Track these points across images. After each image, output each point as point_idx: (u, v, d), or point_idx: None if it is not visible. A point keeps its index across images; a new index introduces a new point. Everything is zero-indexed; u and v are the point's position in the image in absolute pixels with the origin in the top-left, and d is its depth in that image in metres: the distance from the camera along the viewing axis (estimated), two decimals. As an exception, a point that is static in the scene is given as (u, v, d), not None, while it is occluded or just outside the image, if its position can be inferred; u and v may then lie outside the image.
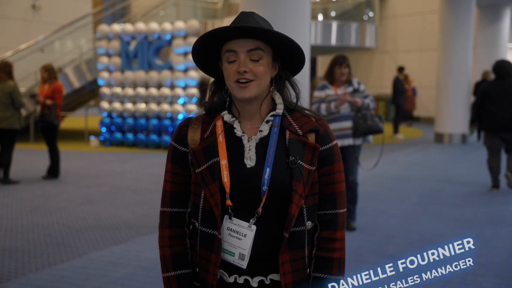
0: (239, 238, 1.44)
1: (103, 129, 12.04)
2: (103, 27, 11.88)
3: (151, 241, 4.87)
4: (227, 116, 1.51)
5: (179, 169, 1.55)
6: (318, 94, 5.15)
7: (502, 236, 5.17)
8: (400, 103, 14.15)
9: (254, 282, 1.46)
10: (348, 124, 5.04)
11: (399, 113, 14.18)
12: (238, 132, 1.49)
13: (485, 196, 6.99)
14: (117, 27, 11.74)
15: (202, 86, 11.46)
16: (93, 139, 12.17)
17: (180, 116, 11.09)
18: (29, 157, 10.21)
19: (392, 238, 5.04)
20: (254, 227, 1.43)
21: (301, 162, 1.45)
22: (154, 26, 11.36)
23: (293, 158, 1.44)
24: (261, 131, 1.49)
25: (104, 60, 11.82)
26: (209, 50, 1.51)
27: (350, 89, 5.11)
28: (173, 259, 1.54)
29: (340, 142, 5.02)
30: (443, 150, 11.90)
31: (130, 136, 11.72)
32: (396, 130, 14.10)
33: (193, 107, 11.11)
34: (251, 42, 1.43)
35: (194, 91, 11.13)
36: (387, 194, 7.09)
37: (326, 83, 5.18)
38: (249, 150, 1.47)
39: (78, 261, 4.35)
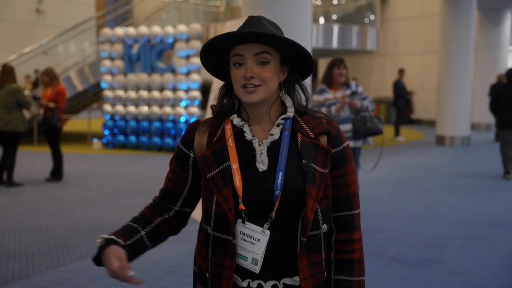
0: (252, 242, 1.42)
1: (106, 132, 12.08)
2: (106, 31, 11.94)
3: (154, 243, 4.90)
4: (236, 120, 1.50)
5: (178, 169, 1.56)
6: (317, 98, 5.14)
7: (505, 238, 5.17)
8: (401, 106, 14.16)
9: (267, 286, 1.45)
10: (348, 126, 5.07)
11: (400, 115, 14.20)
12: (248, 135, 1.48)
13: (488, 199, 7.00)
14: (120, 31, 11.80)
15: (204, 89, 11.50)
16: (96, 141, 12.21)
17: (183, 119, 11.13)
18: (32, 160, 10.25)
19: (394, 240, 5.05)
20: (268, 232, 1.42)
21: (314, 165, 1.43)
22: (156, 29, 11.41)
23: (306, 161, 1.43)
24: (272, 134, 1.47)
25: (107, 63, 11.86)
26: (218, 55, 1.50)
27: (348, 91, 5.14)
28: (137, 216, 1.61)
29: None
30: (444, 152, 11.91)
31: (132, 138, 11.76)
32: (397, 133, 14.12)
33: (195, 110, 11.15)
34: (258, 46, 1.42)
35: (197, 94, 11.17)
36: (388, 196, 7.10)
37: (324, 86, 5.17)
38: (261, 153, 1.45)
39: (81, 263, 4.38)
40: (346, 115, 5.09)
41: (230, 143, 1.47)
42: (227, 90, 1.54)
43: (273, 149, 1.46)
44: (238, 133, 1.49)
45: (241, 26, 1.46)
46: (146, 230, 1.58)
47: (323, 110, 5.05)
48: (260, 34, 1.40)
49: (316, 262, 1.45)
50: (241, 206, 1.43)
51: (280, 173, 1.42)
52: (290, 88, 1.52)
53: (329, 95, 5.11)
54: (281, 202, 1.42)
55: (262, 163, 1.45)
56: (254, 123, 1.50)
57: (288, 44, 1.44)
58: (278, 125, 1.49)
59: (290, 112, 1.50)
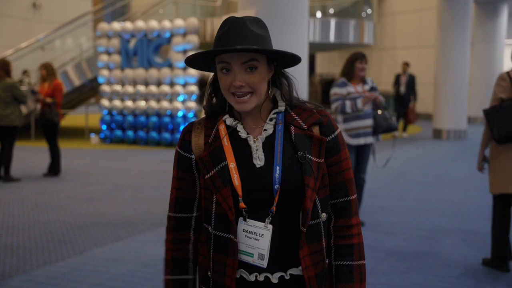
0: (256, 238, 1.43)
1: (104, 127, 12.06)
2: (103, 25, 11.90)
3: (152, 238, 4.91)
4: (229, 120, 1.50)
5: (184, 175, 1.55)
6: (339, 91, 5.05)
7: (500, 231, 5.19)
8: (397, 101, 14.00)
9: (275, 278, 1.46)
10: (370, 122, 5.06)
11: (396, 110, 14.12)
12: (243, 134, 1.49)
13: (484, 192, 7.01)
14: (117, 25, 11.76)
15: (201, 83, 11.49)
16: (93, 136, 12.19)
17: (180, 113, 11.12)
18: (30, 155, 10.24)
19: (391, 234, 5.07)
20: (270, 226, 1.43)
21: (309, 156, 1.45)
22: (153, 24, 11.37)
23: (301, 153, 1.44)
24: (265, 130, 1.48)
25: (104, 58, 11.83)
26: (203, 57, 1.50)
27: (367, 87, 5.12)
28: (172, 264, 1.57)
29: (363, 140, 5.06)
30: (441, 146, 11.93)
31: (130, 133, 11.75)
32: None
33: (192, 104, 11.14)
34: (245, 54, 1.41)
35: (194, 88, 11.15)
36: (386, 190, 7.12)
37: (345, 80, 5.09)
38: (257, 150, 1.47)
39: (79, 258, 4.39)
40: (369, 110, 5.06)
41: (225, 142, 1.48)
42: (214, 88, 1.54)
43: (268, 144, 1.48)
44: (233, 131, 1.50)
45: (224, 32, 1.43)
46: (193, 272, 1.60)
47: (348, 103, 4.97)
48: (248, 50, 1.39)
49: (317, 250, 1.48)
50: (242, 205, 1.44)
51: (277, 167, 1.44)
52: (278, 83, 1.52)
53: (351, 88, 5.04)
54: (280, 195, 1.43)
55: (259, 159, 1.46)
56: (247, 120, 1.51)
57: (276, 54, 1.44)
58: (271, 119, 1.50)
59: (281, 106, 1.51)
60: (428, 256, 4.42)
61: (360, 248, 1.53)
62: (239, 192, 1.43)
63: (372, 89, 5.13)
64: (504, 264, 4.03)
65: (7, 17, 16.72)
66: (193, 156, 1.52)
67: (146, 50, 11.40)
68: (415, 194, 6.86)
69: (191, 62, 1.51)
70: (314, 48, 17.17)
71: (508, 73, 3.92)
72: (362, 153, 5.17)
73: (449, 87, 12.78)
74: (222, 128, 1.50)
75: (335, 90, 5.08)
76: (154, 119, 11.36)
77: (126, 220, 5.53)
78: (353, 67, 5.06)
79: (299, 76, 5.70)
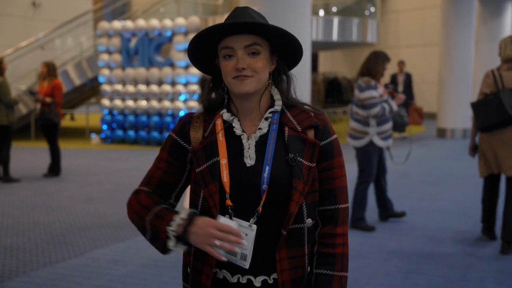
0: (240, 237, 1.42)
1: (104, 127, 12.03)
2: (104, 24, 11.86)
3: (153, 239, 4.87)
4: (226, 115, 1.49)
5: (175, 162, 1.53)
6: (375, 93, 4.81)
7: (505, 231, 5.14)
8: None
9: (257, 281, 1.44)
10: (391, 123, 5.02)
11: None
12: (238, 130, 1.48)
13: (488, 192, 6.96)
14: (117, 24, 11.73)
15: (203, 82, 11.43)
16: (94, 136, 12.16)
17: (182, 113, 11.08)
18: (30, 155, 10.22)
19: (394, 234, 5.03)
20: (254, 226, 1.41)
21: (301, 159, 1.43)
22: (154, 22, 11.33)
23: (292, 155, 1.43)
24: (260, 128, 1.47)
25: (105, 57, 11.80)
26: (205, 49, 1.49)
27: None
28: (153, 200, 1.49)
29: (390, 141, 5.03)
30: (445, 145, 11.88)
31: (131, 133, 11.72)
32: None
33: (194, 104, 11.09)
34: (247, 37, 1.42)
35: (195, 87, 11.11)
36: (388, 190, 7.04)
37: (374, 81, 4.88)
38: (249, 148, 1.46)
39: (80, 259, 4.36)
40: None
41: (220, 138, 1.47)
42: (215, 84, 1.54)
43: (262, 143, 1.46)
44: (228, 127, 1.49)
45: (228, 17, 1.45)
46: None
47: (386, 107, 4.79)
48: (249, 24, 1.39)
49: (297, 256, 1.45)
50: (228, 202, 1.42)
51: (267, 167, 1.42)
52: (278, 79, 1.52)
53: (381, 90, 4.88)
54: (267, 196, 1.42)
55: (249, 158, 1.45)
56: (244, 117, 1.50)
57: (277, 32, 1.43)
58: (266, 118, 1.49)
59: (278, 106, 1.49)
60: (431, 257, 4.38)
61: (343, 259, 1.49)
62: (227, 189, 1.42)
63: (386, 86, 5.09)
64: (490, 232, 4.79)
65: (7, 16, 16.70)
66: (190, 147, 1.50)
67: (147, 49, 11.36)
68: (418, 194, 6.82)
69: (194, 55, 1.50)
70: (317, 47, 17.11)
71: (493, 70, 4.36)
72: (380, 154, 5.13)
73: (453, 86, 12.72)
74: (218, 123, 1.49)
75: (372, 94, 4.80)
76: (155, 118, 11.33)
77: (126, 221, 5.45)
78: (383, 68, 4.88)
79: (302, 75, 5.64)
